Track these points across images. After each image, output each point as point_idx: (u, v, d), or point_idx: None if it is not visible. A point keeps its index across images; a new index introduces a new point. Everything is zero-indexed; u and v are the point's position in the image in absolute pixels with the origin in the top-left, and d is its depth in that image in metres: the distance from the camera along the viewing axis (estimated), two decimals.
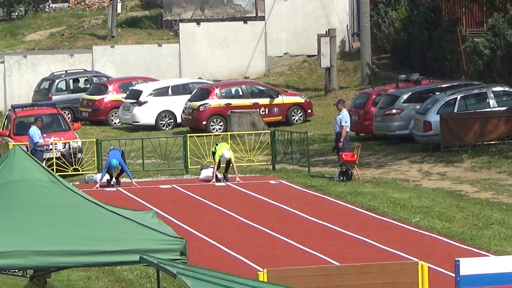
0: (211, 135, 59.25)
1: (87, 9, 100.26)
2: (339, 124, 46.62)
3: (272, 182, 51.66)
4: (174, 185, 51.09)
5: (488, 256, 32.54)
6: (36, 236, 19.95)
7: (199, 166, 53.73)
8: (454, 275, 26.25)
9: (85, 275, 33.11)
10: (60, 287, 30.99)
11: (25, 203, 20.42)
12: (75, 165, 53.12)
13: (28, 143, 51.57)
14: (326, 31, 73.89)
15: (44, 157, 51.01)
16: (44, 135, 52.60)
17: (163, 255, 19.84)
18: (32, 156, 24.60)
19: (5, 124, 57.88)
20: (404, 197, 45.97)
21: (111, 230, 20.65)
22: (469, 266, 26.71)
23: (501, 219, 40.96)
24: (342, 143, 46.11)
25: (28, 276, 22.69)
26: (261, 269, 27.58)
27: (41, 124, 52.72)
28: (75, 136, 55.41)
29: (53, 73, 74.31)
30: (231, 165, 45.26)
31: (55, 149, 52.86)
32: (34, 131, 51.42)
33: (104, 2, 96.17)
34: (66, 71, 74.64)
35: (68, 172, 51.62)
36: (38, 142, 51.08)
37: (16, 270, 21.88)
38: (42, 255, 19.93)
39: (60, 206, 20.66)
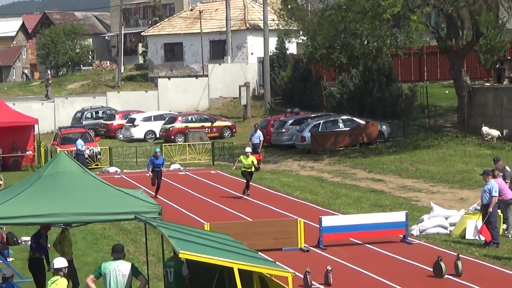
0: (176, 144, 60.94)
1: (103, 69, 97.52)
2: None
3: (212, 172, 52.70)
4: None
5: (338, 215, 33.86)
6: (73, 204, 20.58)
7: (169, 162, 54.16)
8: (318, 226, 29.86)
9: (102, 227, 33.48)
10: (88, 233, 33.03)
11: (66, 184, 21.04)
12: (96, 162, 54.92)
13: (70, 149, 52.10)
14: (244, 83, 75.19)
15: (86, 156, 53.06)
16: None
17: (148, 215, 20.54)
18: (73, 158, 27.54)
19: (55, 138, 59.17)
20: (289, 181, 47.08)
21: (117, 200, 21.27)
22: (327, 220, 30.19)
23: (346, 193, 41.80)
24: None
25: (68, 227, 23.65)
26: (205, 222, 30.71)
27: (83, 138, 54.40)
28: (96, 145, 56.58)
29: (83, 108, 76.38)
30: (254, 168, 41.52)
31: (86, 153, 53.34)
32: (80, 141, 52.63)
33: (113, 66, 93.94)
34: (90, 106, 77.18)
35: (92, 166, 52.52)
36: (81, 149, 52.13)
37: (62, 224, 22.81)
38: (76, 215, 20.68)
39: (87, 186, 21.29)
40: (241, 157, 41.29)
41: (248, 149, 42.07)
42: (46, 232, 23.63)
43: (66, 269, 18.94)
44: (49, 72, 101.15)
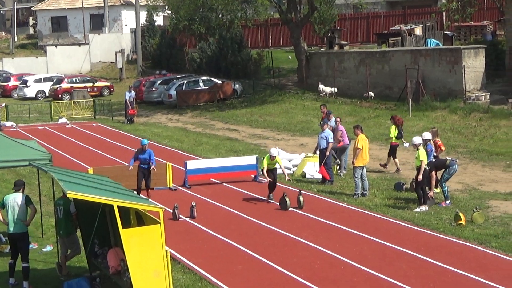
0: (62, 102, 59.87)
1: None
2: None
3: (94, 124, 51.74)
4: (46, 127, 50.49)
5: (200, 159, 33.80)
6: None
7: (58, 117, 54.32)
8: (184, 168, 29.99)
9: (1, 172, 31.76)
10: None
11: None
12: None
13: None
14: (120, 50, 74.65)
15: None
16: None
17: (40, 161, 20.47)
18: None
19: None
20: (159, 131, 46.63)
21: (13, 149, 21.18)
22: (191, 164, 30.44)
23: (206, 141, 41.53)
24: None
25: None
26: (89, 167, 30.62)
27: None
28: None
29: None
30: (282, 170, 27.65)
31: None
32: None
33: (8, 36, 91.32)
34: None
35: None
36: None
37: None
38: None
39: None
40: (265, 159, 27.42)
41: (274, 152, 27.43)
42: None
43: None
44: None
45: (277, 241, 21.92)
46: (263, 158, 27.58)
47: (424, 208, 24.67)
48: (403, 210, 24.84)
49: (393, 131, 31.07)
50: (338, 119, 31.74)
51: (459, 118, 41.50)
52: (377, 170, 31.33)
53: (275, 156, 26.98)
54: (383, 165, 31.49)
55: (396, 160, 31.30)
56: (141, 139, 26.43)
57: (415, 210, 24.69)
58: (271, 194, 27.17)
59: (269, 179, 26.91)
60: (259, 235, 22.66)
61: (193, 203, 25.42)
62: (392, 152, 31.24)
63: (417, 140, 25.47)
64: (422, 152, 24.90)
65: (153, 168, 27.42)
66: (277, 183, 27.53)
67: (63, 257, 19.56)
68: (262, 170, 27.09)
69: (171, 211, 24.90)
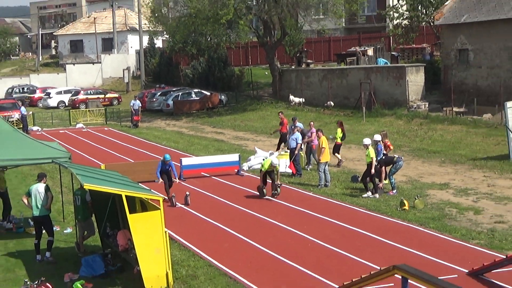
0: (79, 110, 59.72)
1: (27, 59, 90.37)
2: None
3: (105, 129, 51.13)
4: (66, 131, 50.17)
5: (193, 157, 33.57)
6: (6, 152, 20.22)
7: (75, 123, 53.84)
8: (180, 164, 29.83)
9: (29, 168, 30.89)
10: (18, 174, 31.68)
11: (1, 139, 20.65)
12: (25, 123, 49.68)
13: (4, 114, 48.41)
14: (126, 67, 74.77)
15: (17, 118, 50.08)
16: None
17: (61, 159, 20.18)
18: (7, 121, 26.70)
19: None
20: (159, 134, 46.24)
21: (39, 149, 20.98)
22: (186, 160, 30.42)
23: (198, 142, 41.15)
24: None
25: (4, 169, 22.86)
26: (101, 163, 30.67)
27: (15, 106, 52.91)
28: (20, 111, 50.37)
29: (13, 85, 73.90)
30: (276, 176, 25.68)
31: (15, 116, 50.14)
32: (23, 108, 50.45)
33: (34, 56, 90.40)
34: (18, 84, 74.61)
35: (20, 127, 46.89)
36: (24, 113, 49.56)
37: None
38: (9, 160, 20.65)
39: (16, 140, 20.99)
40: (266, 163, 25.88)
41: (275, 161, 25.97)
42: None
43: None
44: None
45: (256, 224, 21.87)
46: (264, 160, 26.90)
47: (370, 194, 24.81)
48: (358, 198, 24.88)
49: (339, 133, 31.68)
50: (312, 123, 31.74)
51: (403, 123, 41.70)
52: (336, 165, 31.29)
53: (276, 166, 25.78)
54: (338, 163, 31.50)
55: (339, 155, 31.60)
56: (165, 155, 25.32)
57: (363, 196, 24.85)
58: (264, 186, 25.64)
59: (261, 183, 25.63)
60: (241, 219, 22.59)
61: (187, 193, 25.32)
62: (337, 150, 31.61)
63: (367, 141, 25.62)
64: (371, 150, 25.02)
65: (174, 180, 25.77)
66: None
67: (81, 238, 19.51)
68: (261, 171, 25.75)
69: (169, 199, 24.75)
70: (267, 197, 25.61)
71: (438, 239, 19.38)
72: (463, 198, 24.41)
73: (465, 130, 37.93)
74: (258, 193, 25.93)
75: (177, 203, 25.04)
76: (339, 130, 31.80)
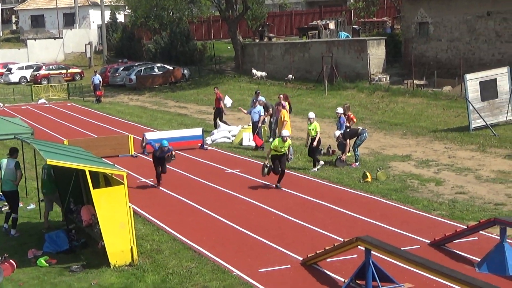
0: (41, 86, 58.63)
1: None
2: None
3: (68, 104, 51.21)
4: (28, 107, 49.94)
5: (156, 131, 33.40)
6: None
7: (37, 98, 53.99)
8: (142, 139, 29.73)
9: None
10: None
11: None
12: None
13: None
14: (88, 42, 74.03)
15: None
16: None
17: (24, 135, 20.16)
18: None
19: None
20: (122, 109, 46.19)
21: (3, 125, 20.91)
22: (149, 135, 29.34)
23: (161, 116, 41.03)
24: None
25: None
26: (64, 139, 29.84)
27: None
28: None
29: None
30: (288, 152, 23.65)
31: None
32: None
33: None
34: None
35: None
36: None
37: None
38: None
39: None
40: (276, 140, 22.72)
41: (286, 132, 22.68)
42: None
43: None
44: None
45: (219, 197, 21.87)
46: (273, 140, 24.17)
47: (316, 169, 24.75)
48: (320, 171, 24.85)
49: (287, 106, 30.68)
50: (281, 96, 30.83)
51: (365, 95, 41.87)
52: (300, 138, 31.22)
53: (287, 137, 22.35)
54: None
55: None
56: (162, 141, 23.45)
57: (311, 170, 24.75)
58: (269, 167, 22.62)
59: (270, 164, 22.44)
60: (205, 193, 22.55)
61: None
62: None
63: (311, 114, 25.53)
64: (317, 124, 25.17)
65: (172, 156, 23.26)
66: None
67: (47, 212, 19.40)
68: (268, 152, 22.87)
69: (133, 174, 24.61)
70: (230, 170, 25.47)
71: (400, 211, 19.51)
72: (425, 169, 24.56)
73: (426, 102, 38.11)
74: (238, 169, 25.83)
75: (140, 177, 24.91)
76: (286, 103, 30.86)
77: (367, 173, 23.18)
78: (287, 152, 23.45)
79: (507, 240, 14.74)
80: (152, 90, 55.03)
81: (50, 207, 19.49)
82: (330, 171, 24.67)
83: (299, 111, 38.15)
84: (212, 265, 15.56)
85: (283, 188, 22.52)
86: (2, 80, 68.38)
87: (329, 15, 63.05)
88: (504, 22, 40.26)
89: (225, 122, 34.71)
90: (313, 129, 25.04)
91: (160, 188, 23.47)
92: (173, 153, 23.52)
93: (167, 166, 23.76)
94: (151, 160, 24.15)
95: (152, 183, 24.22)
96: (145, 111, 44.79)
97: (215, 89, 36.52)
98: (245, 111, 31.87)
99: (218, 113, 34.84)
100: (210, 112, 42.32)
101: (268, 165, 22.53)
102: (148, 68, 58.54)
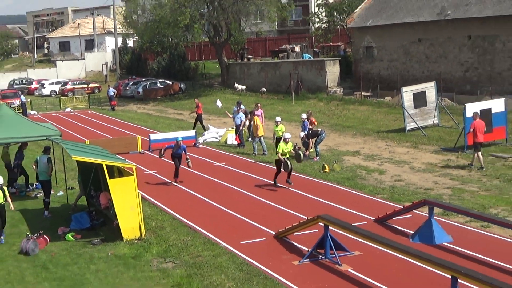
0: (68, 97, 57.57)
1: (25, 57, 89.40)
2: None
3: (89, 112, 49.25)
4: (57, 114, 48.18)
5: (159, 133, 31.77)
6: (10, 132, 19.84)
7: (64, 107, 52.27)
8: (148, 139, 29.38)
9: (31, 144, 24.88)
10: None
11: (6, 121, 20.21)
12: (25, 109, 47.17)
13: (7, 102, 45.24)
14: (105, 63, 72.77)
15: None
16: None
17: (54, 136, 19.87)
18: (10, 107, 26.93)
19: None
20: (132, 115, 44.24)
21: (36, 129, 20.48)
22: (154, 136, 29.47)
23: (163, 121, 39.67)
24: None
25: (8, 145, 22.11)
26: (86, 139, 28.80)
27: (16, 95, 50.46)
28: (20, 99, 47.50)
29: (14, 78, 70.18)
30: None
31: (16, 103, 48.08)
32: (23, 97, 48.15)
33: (31, 55, 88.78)
34: (18, 77, 71.16)
35: (21, 111, 42.86)
36: (23, 100, 47.00)
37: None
38: (13, 138, 20.17)
39: (17, 122, 20.56)
40: (281, 144, 20.63)
41: (287, 135, 20.65)
42: None
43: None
44: None
45: (209, 185, 21.59)
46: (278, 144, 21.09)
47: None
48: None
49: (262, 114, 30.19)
50: (259, 104, 29.96)
51: (324, 104, 41.56)
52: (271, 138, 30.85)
53: (288, 139, 20.53)
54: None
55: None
56: (177, 138, 22.12)
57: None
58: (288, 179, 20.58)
59: (283, 162, 20.26)
60: (198, 182, 22.21)
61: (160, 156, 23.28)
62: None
63: (278, 118, 25.64)
64: (282, 126, 25.21)
65: (187, 159, 21.43)
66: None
67: (78, 197, 19.26)
68: (278, 153, 20.48)
69: (141, 167, 24.22)
70: (219, 164, 25.19)
71: (351, 195, 19.40)
72: (370, 162, 24.44)
73: (371, 109, 37.83)
74: (223, 163, 25.42)
75: (147, 169, 24.44)
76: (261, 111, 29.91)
77: (326, 165, 22.94)
78: (299, 151, 21.70)
79: (434, 217, 14.73)
80: (155, 100, 54.09)
81: (83, 193, 19.32)
82: (296, 164, 24.28)
83: (272, 116, 37.39)
84: (204, 238, 15.42)
85: (260, 178, 22.24)
86: (36, 93, 66.83)
87: (295, 41, 62.78)
88: (432, 47, 40.12)
89: (203, 126, 34.41)
90: (279, 130, 24.97)
91: (162, 177, 23.04)
92: (190, 161, 21.35)
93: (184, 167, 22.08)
94: (156, 156, 23.75)
95: (156, 174, 23.78)
96: (150, 117, 44.06)
97: (196, 99, 36.42)
98: (230, 115, 31.68)
99: (199, 118, 34.67)
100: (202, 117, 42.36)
101: (287, 159, 20.16)
102: (152, 83, 57.62)
